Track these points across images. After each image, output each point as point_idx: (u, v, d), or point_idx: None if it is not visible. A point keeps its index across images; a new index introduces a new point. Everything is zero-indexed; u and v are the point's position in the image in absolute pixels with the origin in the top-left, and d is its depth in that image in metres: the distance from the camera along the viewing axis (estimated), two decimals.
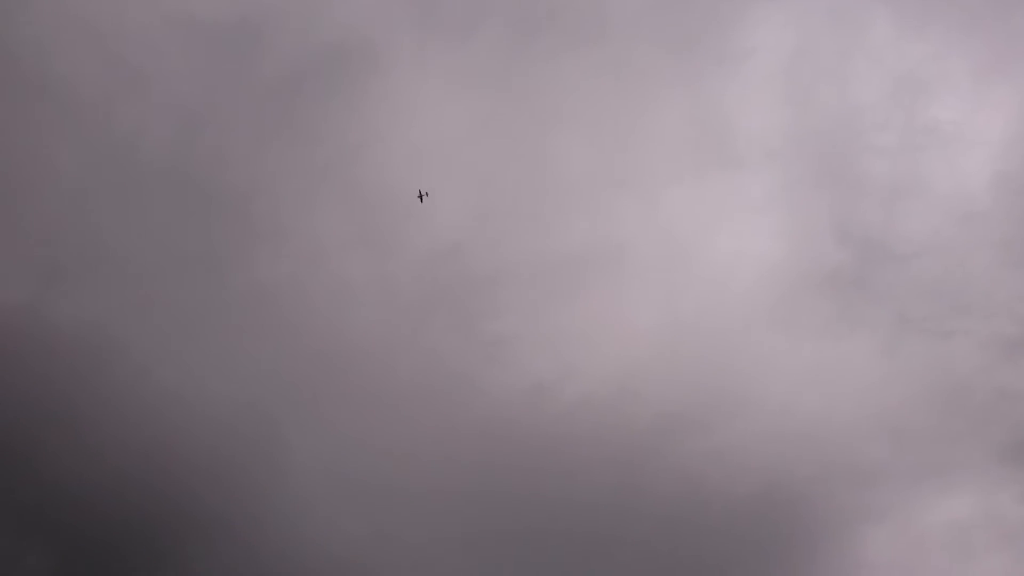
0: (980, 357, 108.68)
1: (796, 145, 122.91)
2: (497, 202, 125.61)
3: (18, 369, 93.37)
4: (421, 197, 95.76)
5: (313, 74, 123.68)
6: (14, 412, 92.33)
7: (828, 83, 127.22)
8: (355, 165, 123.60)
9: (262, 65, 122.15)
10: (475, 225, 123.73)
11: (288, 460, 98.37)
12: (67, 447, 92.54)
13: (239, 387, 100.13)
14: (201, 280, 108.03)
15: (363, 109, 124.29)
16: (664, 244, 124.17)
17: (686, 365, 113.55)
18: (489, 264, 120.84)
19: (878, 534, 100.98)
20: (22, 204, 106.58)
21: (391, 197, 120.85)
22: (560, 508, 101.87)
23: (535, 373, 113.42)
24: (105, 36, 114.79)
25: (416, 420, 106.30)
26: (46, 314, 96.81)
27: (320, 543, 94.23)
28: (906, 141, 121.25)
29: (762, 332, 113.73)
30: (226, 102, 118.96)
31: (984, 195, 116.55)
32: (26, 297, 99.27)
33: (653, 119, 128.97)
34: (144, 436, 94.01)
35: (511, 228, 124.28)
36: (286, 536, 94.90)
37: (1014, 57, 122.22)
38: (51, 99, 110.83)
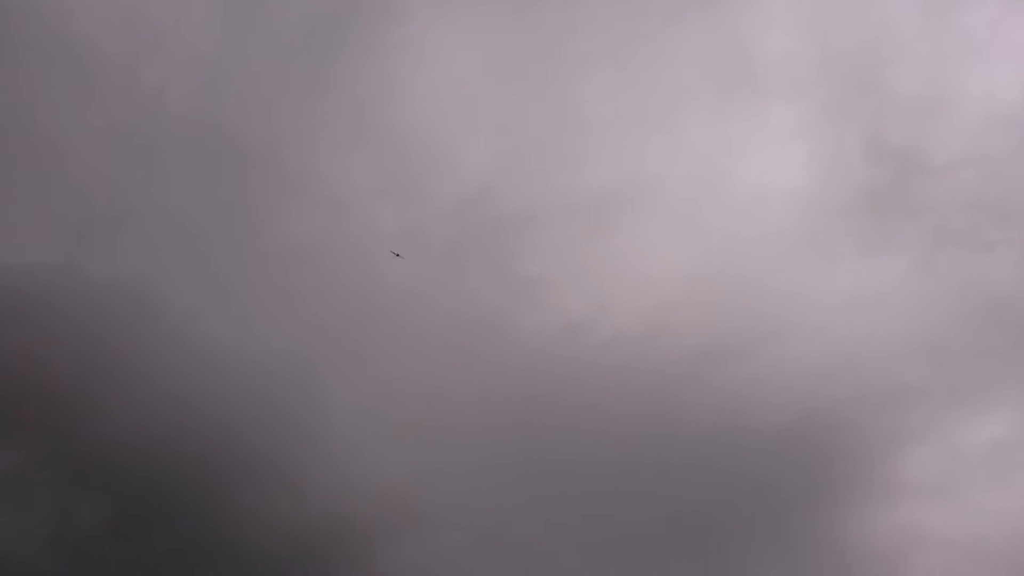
0: (1022, 270, 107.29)
1: (823, 68, 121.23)
2: (523, 143, 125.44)
3: (65, 326, 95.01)
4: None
5: (334, 24, 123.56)
6: (64, 368, 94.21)
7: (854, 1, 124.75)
8: (380, 113, 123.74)
9: (283, 17, 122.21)
10: (503, 167, 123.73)
11: (330, 404, 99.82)
12: (116, 399, 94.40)
13: (279, 335, 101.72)
14: (236, 232, 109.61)
15: (386, 57, 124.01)
16: (693, 178, 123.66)
17: (719, 296, 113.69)
18: (518, 206, 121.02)
19: (917, 455, 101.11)
20: (52, 165, 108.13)
21: (418, 144, 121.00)
22: (597, 442, 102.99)
23: (569, 311, 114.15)
24: None
25: (453, 361, 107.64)
26: (87, 271, 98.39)
27: (364, 482, 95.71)
28: (937, 52, 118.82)
29: (795, 259, 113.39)
30: (249, 55, 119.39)
31: (1021, 102, 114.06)
32: (65, 256, 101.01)
33: (677, 53, 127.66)
34: (190, 385, 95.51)
35: (539, 169, 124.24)
36: (331, 477, 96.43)
37: None
38: (75, 59, 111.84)
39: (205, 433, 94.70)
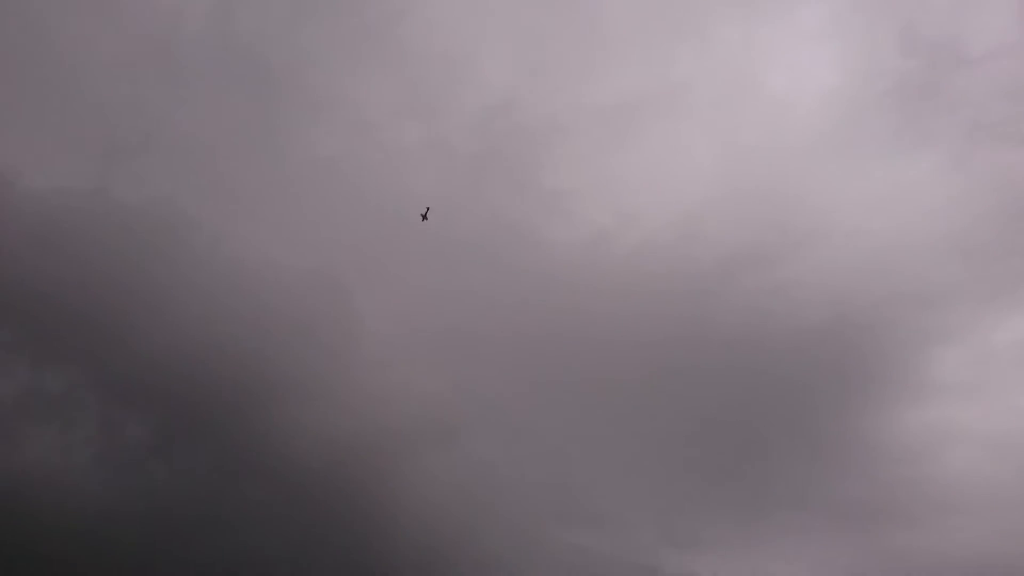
0: None
1: None
2: (547, 53, 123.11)
3: (97, 250, 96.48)
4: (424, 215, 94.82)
5: None
6: (100, 292, 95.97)
7: None
8: (402, 28, 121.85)
9: None
10: (526, 78, 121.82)
11: (359, 319, 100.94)
12: (152, 321, 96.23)
13: (307, 252, 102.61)
14: (261, 152, 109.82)
15: None
16: (721, 82, 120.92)
17: (748, 202, 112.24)
18: (543, 116, 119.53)
19: (948, 354, 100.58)
20: (78, 92, 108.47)
21: (441, 57, 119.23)
22: (627, 350, 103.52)
23: (596, 222, 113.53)
24: None
25: (481, 274, 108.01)
26: (116, 195, 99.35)
27: (395, 394, 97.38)
28: None
29: (826, 161, 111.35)
30: None
31: None
32: (94, 181, 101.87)
33: None
34: (222, 305, 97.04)
35: (563, 78, 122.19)
36: (363, 390, 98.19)
37: None
38: None
39: (239, 351, 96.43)
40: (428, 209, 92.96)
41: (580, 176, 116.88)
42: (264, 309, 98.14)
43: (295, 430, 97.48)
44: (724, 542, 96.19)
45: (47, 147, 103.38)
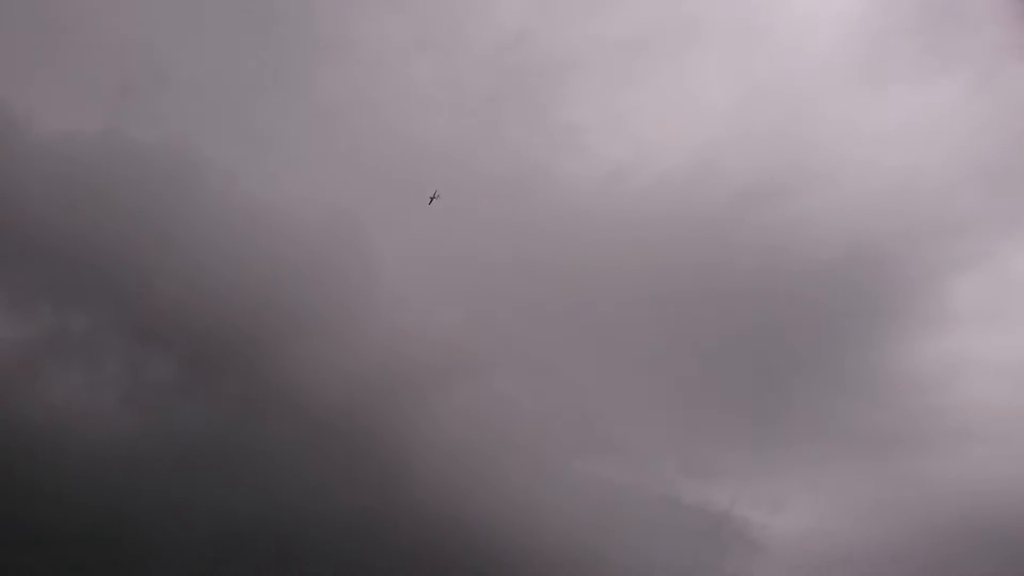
0: None
1: None
2: None
3: (115, 190, 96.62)
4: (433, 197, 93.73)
5: None
6: (119, 232, 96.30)
7: None
8: None
9: None
10: (538, 12, 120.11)
11: (376, 255, 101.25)
12: (171, 260, 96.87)
13: (321, 192, 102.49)
14: (275, 89, 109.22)
15: None
16: (735, 13, 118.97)
17: (764, 135, 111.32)
18: (555, 51, 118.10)
19: (968, 283, 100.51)
20: (88, 31, 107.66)
21: None
22: (643, 286, 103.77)
23: (610, 158, 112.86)
24: None
25: (497, 211, 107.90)
26: (129, 135, 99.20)
27: (415, 330, 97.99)
28: None
29: (844, 89, 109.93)
30: None
31: None
32: (107, 121, 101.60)
33: None
34: (239, 243, 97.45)
35: (575, 11, 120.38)
36: (382, 326, 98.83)
37: None
38: None
39: (257, 289, 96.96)
40: (436, 192, 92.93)
41: (595, 111, 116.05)
42: (281, 246, 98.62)
43: (317, 366, 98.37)
44: (743, 471, 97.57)
45: (60, 89, 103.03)
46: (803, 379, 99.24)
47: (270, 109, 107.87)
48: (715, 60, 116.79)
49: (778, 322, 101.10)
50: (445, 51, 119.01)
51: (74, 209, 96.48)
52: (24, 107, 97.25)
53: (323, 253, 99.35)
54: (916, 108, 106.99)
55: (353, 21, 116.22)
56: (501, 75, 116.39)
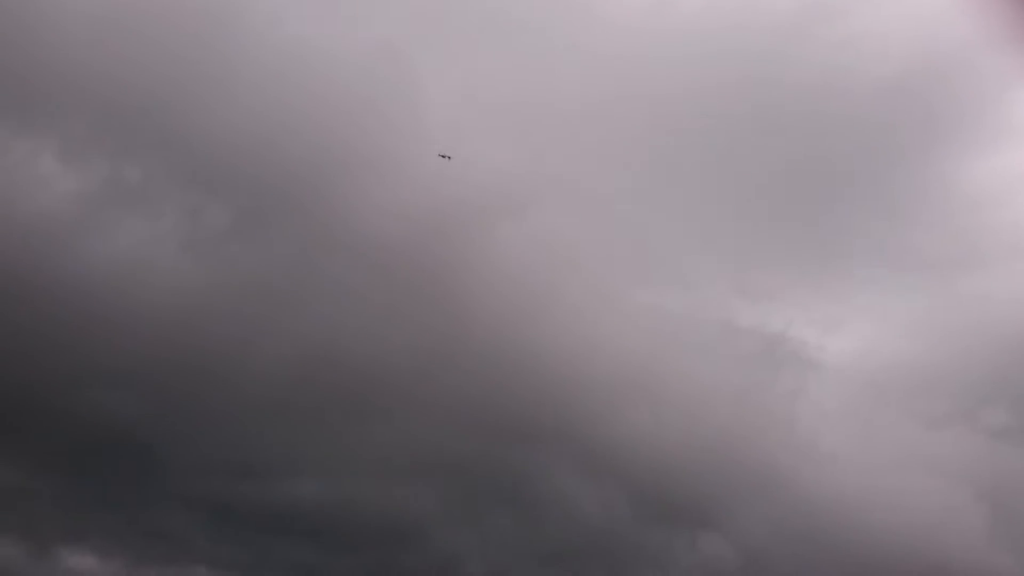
0: None
1: None
2: None
3: (162, 36, 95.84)
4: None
5: None
6: (168, 79, 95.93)
7: None
8: None
9: None
10: None
11: (425, 95, 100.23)
12: (221, 105, 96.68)
13: (368, 27, 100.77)
14: None
15: None
16: None
17: None
18: None
19: None
20: None
21: None
22: (696, 111, 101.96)
23: None
24: None
25: (543, 45, 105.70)
26: None
27: (467, 167, 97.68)
28: None
29: None
30: None
31: None
32: None
33: None
34: (287, 85, 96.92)
35: None
36: (433, 168, 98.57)
37: None
38: None
39: (307, 130, 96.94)
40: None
41: None
42: (330, 86, 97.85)
43: (369, 207, 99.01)
44: (798, 293, 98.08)
45: None
46: (860, 200, 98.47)
47: None
48: None
49: (835, 142, 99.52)
50: None
51: (120, 57, 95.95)
52: None
53: (371, 90, 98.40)
54: None
55: None
56: None
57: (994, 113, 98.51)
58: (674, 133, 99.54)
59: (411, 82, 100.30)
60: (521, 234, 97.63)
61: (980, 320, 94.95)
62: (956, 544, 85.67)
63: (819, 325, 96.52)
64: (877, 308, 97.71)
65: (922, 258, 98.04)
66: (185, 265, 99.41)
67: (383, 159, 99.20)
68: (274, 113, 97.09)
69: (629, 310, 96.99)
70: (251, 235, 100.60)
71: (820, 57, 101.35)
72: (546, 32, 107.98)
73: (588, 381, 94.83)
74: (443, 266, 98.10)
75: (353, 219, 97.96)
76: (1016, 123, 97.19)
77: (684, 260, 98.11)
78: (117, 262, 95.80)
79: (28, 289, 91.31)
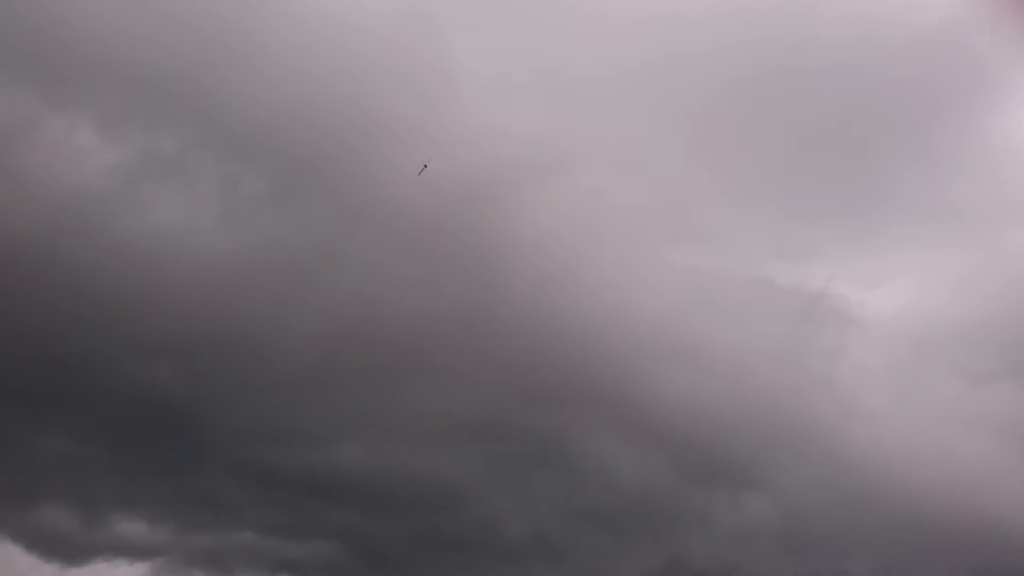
0: None
1: None
2: None
3: (194, 10, 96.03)
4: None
5: None
6: (200, 52, 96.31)
7: None
8: None
9: None
10: None
11: (455, 61, 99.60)
12: (253, 76, 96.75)
13: None
14: None
15: None
16: None
17: None
18: None
19: None
20: None
21: None
22: (729, 70, 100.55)
23: None
24: None
25: (572, 8, 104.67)
26: None
27: (498, 136, 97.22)
28: None
29: None
30: None
31: None
32: None
33: None
34: (317, 55, 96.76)
35: None
36: (465, 134, 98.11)
37: None
38: None
39: (338, 100, 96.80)
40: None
41: None
42: (361, 55, 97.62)
43: (402, 176, 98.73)
44: (838, 250, 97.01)
45: None
46: (898, 154, 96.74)
47: None
48: None
49: (871, 97, 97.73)
50: None
51: (153, 31, 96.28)
52: None
53: (401, 61, 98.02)
54: None
55: None
56: None
57: None
58: (708, 92, 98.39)
59: (441, 49, 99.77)
60: (554, 198, 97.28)
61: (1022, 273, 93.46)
62: (1002, 501, 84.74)
63: (860, 282, 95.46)
64: (919, 263, 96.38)
65: (965, 212, 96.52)
66: (222, 235, 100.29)
67: (416, 128, 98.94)
68: (307, 83, 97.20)
69: (666, 271, 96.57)
70: (287, 204, 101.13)
71: (857, 11, 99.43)
72: None
73: (626, 344, 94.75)
74: (477, 233, 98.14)
75: (386, 188, 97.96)
76: None
77: (720, 219, 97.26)
78: (155, 235, 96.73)
79: (69, 264, 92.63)
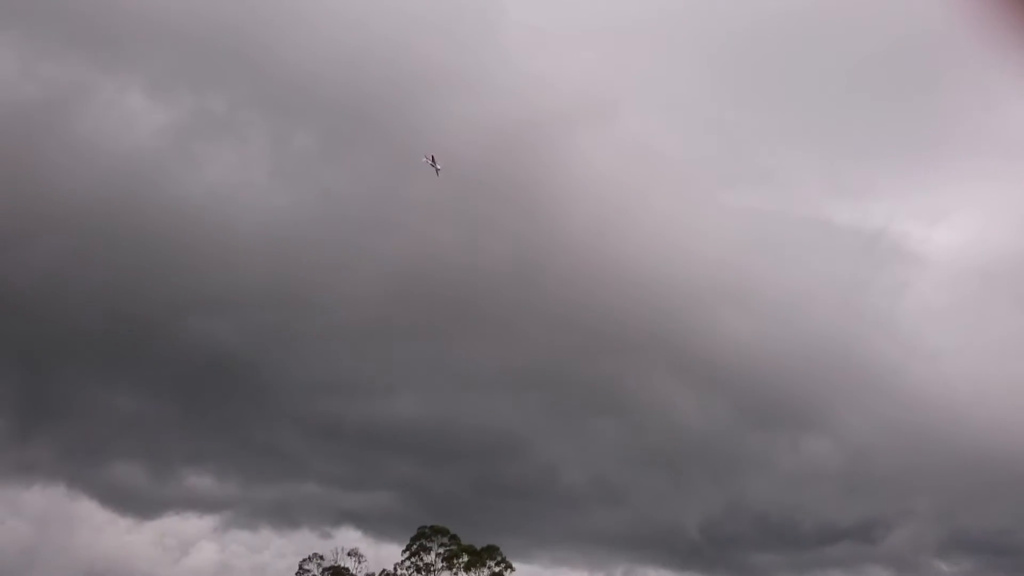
0: None
1: None
2: None
3: None
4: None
5: None
6: (247, 12, 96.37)
7: None
8: None
9: None
10: None
11: (502, 8, 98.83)
12: (301, 32, 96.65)
13: None
14: None
15: None
16: None
17: None
18: None
19: None
20: None
21: None
22: (776, 8, 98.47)
23: None
24: None
25: None
26: None
27: (551, 75, 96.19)
28: None
29: None
30: None
31: None
32: None
33: None
34: (361, 5, 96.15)
35: None
36: (516, 79, 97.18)
37: None
38: None
39: (386, 50, 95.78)
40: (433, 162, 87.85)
41: None
42: (406, 7, 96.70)
43: (453, 122, 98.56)
44: (898, 187, 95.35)
45: None
46: (956, 89, 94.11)
47: None
48: None
49: (927, 27, 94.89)
50: None
51: None
52: None
53: (449, 7, 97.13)
54: None
55: None
56: None
57: None
58: (757, 30, 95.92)
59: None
60: (606, 144, 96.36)
61: None
62: None
63: (922, 218, 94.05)
64: (984, 197, 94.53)
65: (1021, 151, 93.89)
66: (276, 190, 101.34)
67: (465, 74, 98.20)
68: (354, 36, 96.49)
69: (720, 213, 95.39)
70: (338, 157, 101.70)
71: None
72: None
73: (683, 288, 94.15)
74: (530, 177, 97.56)
75: (438, 135, 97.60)
76: None
77: (775, 159, 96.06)
78: (209, 193, 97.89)
79: (129, 224, 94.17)
